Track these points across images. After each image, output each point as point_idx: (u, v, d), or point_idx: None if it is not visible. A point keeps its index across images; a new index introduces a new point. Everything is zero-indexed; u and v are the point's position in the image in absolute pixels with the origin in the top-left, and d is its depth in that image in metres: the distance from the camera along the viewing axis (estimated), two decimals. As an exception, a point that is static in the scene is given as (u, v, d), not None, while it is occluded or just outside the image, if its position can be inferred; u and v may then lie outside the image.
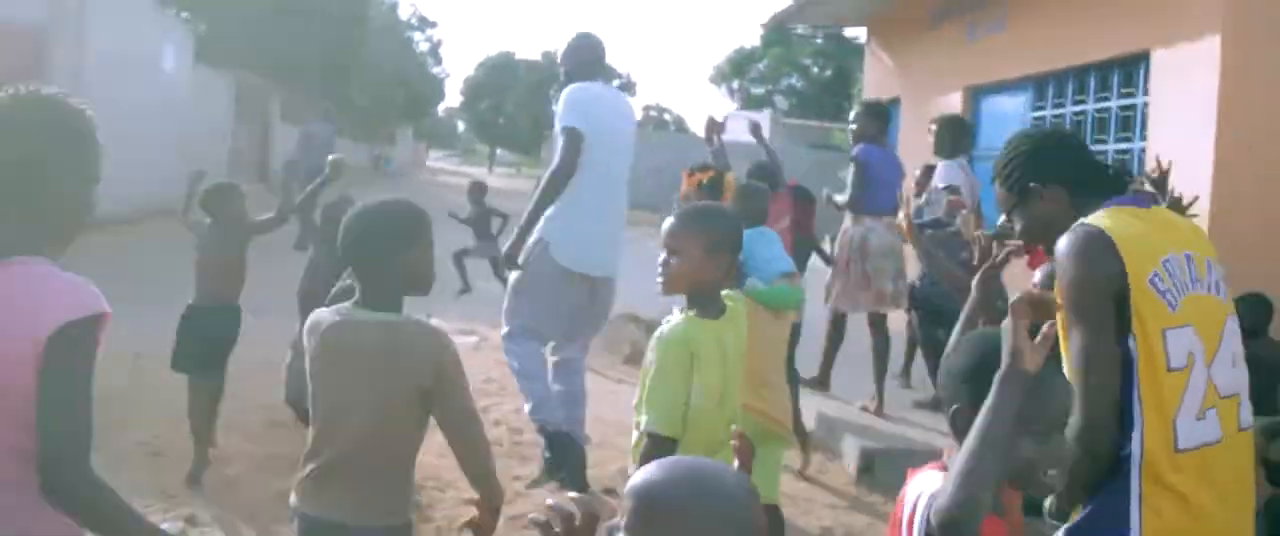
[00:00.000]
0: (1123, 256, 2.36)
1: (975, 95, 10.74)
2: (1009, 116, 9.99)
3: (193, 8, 24.57)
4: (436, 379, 2.69)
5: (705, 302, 3.01)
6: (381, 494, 2.73)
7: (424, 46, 50.14)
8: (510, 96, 59.52)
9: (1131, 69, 8.06)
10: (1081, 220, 2.48)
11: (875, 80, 13.75)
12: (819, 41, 50.82)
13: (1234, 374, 2.46)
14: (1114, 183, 2.61)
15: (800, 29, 35.78)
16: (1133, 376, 2.36)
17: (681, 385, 2.86)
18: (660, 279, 3.03)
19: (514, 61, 65.10)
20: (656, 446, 2.78)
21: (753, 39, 52.73)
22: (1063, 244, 2.46)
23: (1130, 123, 8.08)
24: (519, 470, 5.89)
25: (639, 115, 61.60)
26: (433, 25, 59.68)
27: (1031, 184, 2.62)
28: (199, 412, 5.42)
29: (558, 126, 5.18)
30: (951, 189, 6.76)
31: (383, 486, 2.73)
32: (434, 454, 3.49)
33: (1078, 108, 8.82)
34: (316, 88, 30.79)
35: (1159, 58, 7.56)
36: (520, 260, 5.18)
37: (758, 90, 50.78)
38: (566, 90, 5.31)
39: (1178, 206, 3.70)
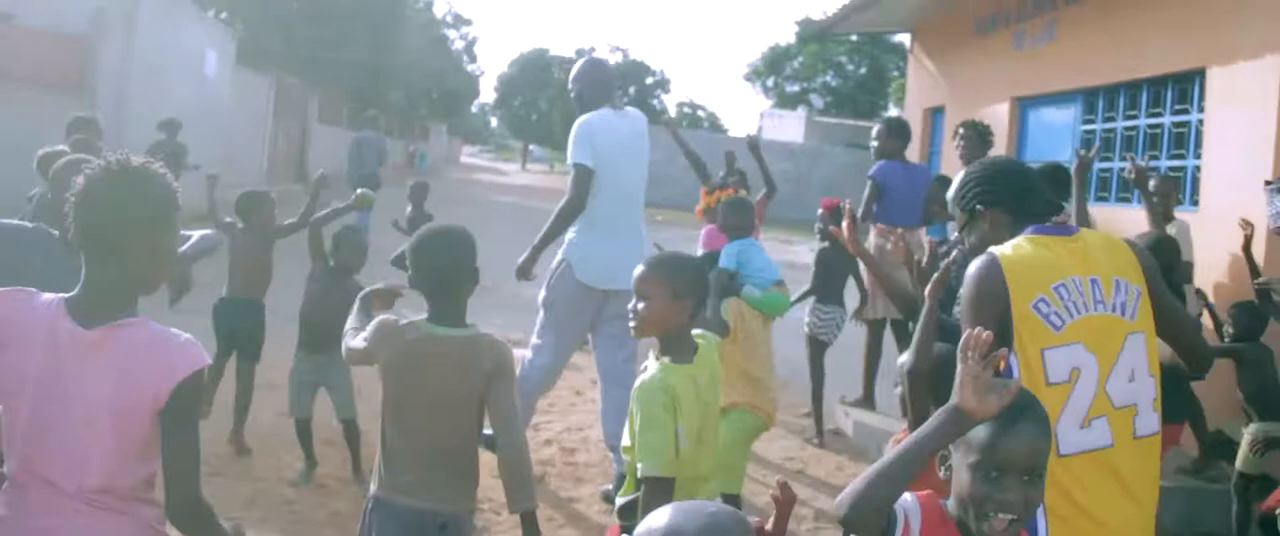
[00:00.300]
0: (1008, 283, 2.70)
1: (1023, 106, 10.63)
2: (1058, 128, 9.88)
3: (233, 9, 24.79)
4: (498, 394, 3.16)
5: (676, 347, 3.16)
6: (454, 484, 3.18)
7: (459, 44, 50.28)
8: (544, 94, 59.55)
9: (1186, 85, 7.94)
10: (991, 247, 2.79)
11: (919, 88, 13.65)
12: (854, 39, 50.59)
13: (1131, 387, 2.71)
14: (1048, 211, 2.89)
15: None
16: None
17: (670, 428, 3.01)
18: (631, 323, 3.20)
19: (548, 58, 65.11)
20: (656, 487, 2.96)
21: (788, 36, 52.54)
22: (970, 267, 2.78)
23: (1184, 140, 7.97)
24: (573, 491, 5.92)
25: (673, 112, 61.71)
26: (468, 23, 59.86)
27: (978, 207, 2.97)
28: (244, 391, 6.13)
29: (568, 160, 5.59)
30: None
31: (455, 477, 3.19)
32: (490, 473, 3.55)
33: (1129, 122, 8.71)
34: (353, 88, 30.98)
35: (1215, 76, 7.45)
36: (546, 286, 5.71)
37: (793, 88, 50.57)
38: (577, 122, 5.65)
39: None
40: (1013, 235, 2.86)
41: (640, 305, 3.14)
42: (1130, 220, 8.29)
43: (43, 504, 2.24)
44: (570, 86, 5.99)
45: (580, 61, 6.03)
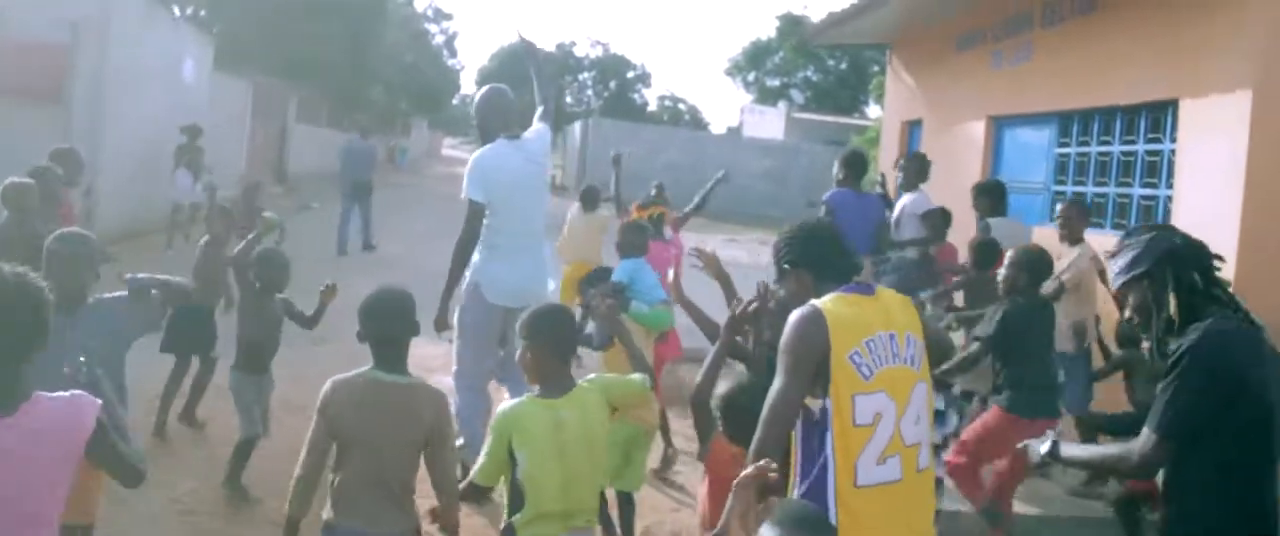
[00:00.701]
0: (830, 334, 3.02)
1: (999, 125, 10.70)
2: (1033, 149, 9.95)
3: (212, 9, 24.66)
4: (434, 427, 3.70)
5: (547, 384, 3.69)
6: (397, 512, 3.69)
7: (439, 39, 50.14)
8: (526, 88, 59.43)
9: (1159, 114, 8.02)
10: (813, 300, 3.13)
11: (897, 100, 13.71)
12: (835, 34, 50.70)
13: (916, 428, 3.11)
14: (849, 272, 3.26)
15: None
16: (828, 426, 3.03)
17: (499, 449, 3.59)
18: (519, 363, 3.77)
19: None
20: (474, 490, 3.88)
21: (769, 31, 52.54)
22: (793, 314, 3.12)
23: (1156, 169, 8.05)
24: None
25: (653, 106, 61.68)
26: (448, 17, 59.54)
27: (785, 264, 3.34)
28: (171, 389, 6.77)
29: (462, 193, 5.91)
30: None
31: (398, 506, 3.69)
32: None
33: (1103, 148, 8.79)
34: (333, 86, 30.86)
35: (1187, 107, 7.54)
36: (455, 312, 5.95)
37: (773, 82, 50.59)
38: (472, 157, 6.01)
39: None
40: (816, 293, 3.18)
41: (525, 352, 3.70)
42: (1094, 243, 8.39)
43: None
44: (473, 116, 6.29)
45: (483, 91, 6.27)
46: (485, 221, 5.88)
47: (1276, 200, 6.79)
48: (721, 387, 3.59)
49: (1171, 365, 2.98)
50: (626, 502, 5.38)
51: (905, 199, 8.46)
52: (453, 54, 53.04)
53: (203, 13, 26.27)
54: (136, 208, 15.22)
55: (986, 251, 7.09)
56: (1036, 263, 5.73)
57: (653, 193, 9.66)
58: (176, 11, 24.60)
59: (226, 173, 21.80)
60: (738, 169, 36.91)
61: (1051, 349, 5.87)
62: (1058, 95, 9.35)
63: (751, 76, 51.42)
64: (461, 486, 3.90)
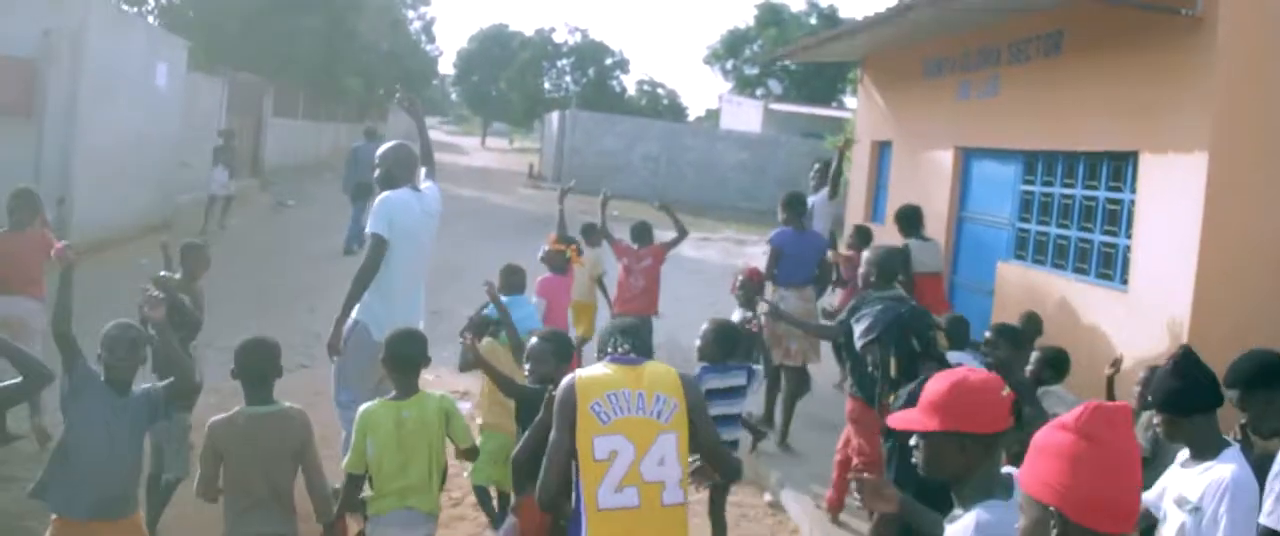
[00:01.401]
0: (577, 394, 3.80)
1: (966, 155, 10.81)
2: (999, 184, 10.06)
3: (188, 4, 24.49)
4: (304, 447, 4.62)
5: (397, 390, 4.86)
6: (283, 515, 4.58)
7: (417, 25, 49.80)
8: (504, 73, 59.19)
9: (1121, 164, 8.15)
10: (577, 371, 3.95)
11: (868, 119, 13.81)
12: (814, 22, 50.61)
13: (660, 469, 3.76)
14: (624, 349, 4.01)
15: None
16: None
17: (360, 442, 4.70)
18: None
19: (507, 33, 64.72)
20: (349, 480, 4.78)
21: (747, 19, 52.44)
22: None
23: (1117, 217, 8.18)
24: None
25: (632, 90, 61.59)
26: (426, 3, 59.24)
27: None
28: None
29: (366, 229, 6.44)
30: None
31: (283, 510, 4.58)
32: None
33: (1067, 190, 8.91)
34: (309, 78, 30.71)
35: (1147, 161, 7.67)
36: (341, 344, 6.37)
37: (752, 70, 50.58)
38: (380, 197, 6.44)
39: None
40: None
41: None
42: (1054, 286, 8.54)
43: None
44: (376, 165, 6.66)
45: (388, 145, 6.77)
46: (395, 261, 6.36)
47: (1231, 259, 6.96)
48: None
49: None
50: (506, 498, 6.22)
51: (812, 199, 10.13)
52: (431, 39, 52.68)
53: (177, 1, 26.10)
54: (111, 214, 15.18)
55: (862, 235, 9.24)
56: (887, 260, 6.18)
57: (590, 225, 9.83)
58: (151, 4, 24.47)
59: (201, 173, 21.76)
60: (715, 161, 37.08)
61: None
62: (1022, 134, 9.47)
63: (729, 65, 51.40)
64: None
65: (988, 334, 6.31)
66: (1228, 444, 3.63)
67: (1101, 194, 8.39)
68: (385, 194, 6.39)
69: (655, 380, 3.90)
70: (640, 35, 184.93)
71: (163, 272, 6.58)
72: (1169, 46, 7.33)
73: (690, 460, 3.87)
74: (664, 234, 10.07)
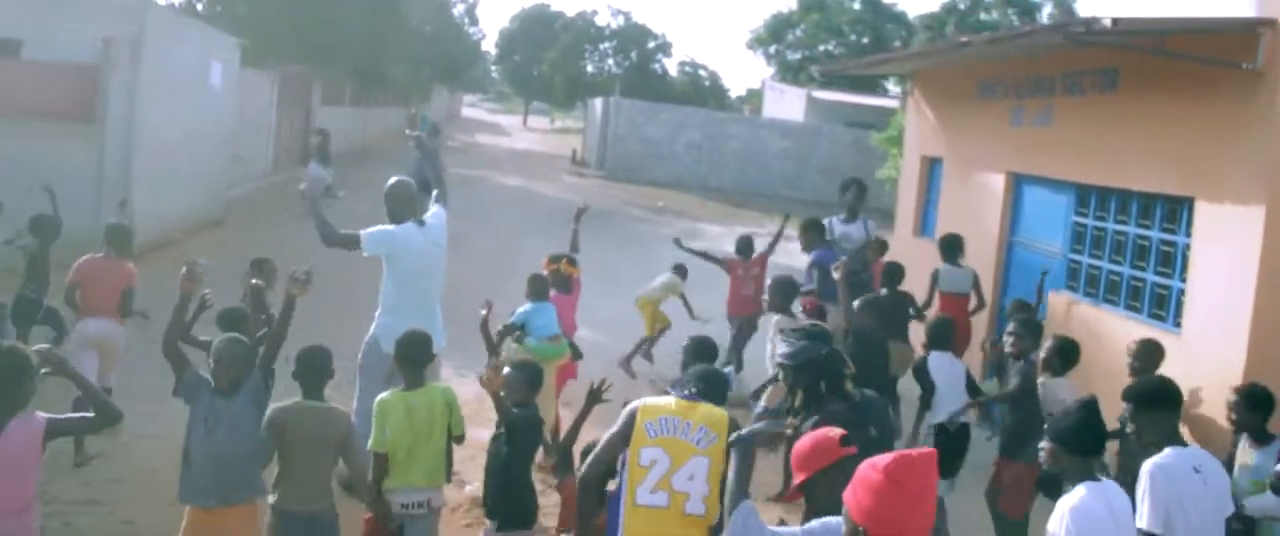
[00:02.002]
0: (639, 414, 4.66)
1: (1018, 181, 10.81)
2: (1052, 213, 10.06)
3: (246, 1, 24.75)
4: (345, 440, 5.47)
5: (407, 383, 5.78)
6: (323, 494, 5.45)
7: (460, 8, 49.99)
8: (546, 54, 59.28)
9: (1176, 207, 8.15)
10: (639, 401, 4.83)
11: (919, 135, 13.79)
12: (857, 8, 50.32)
13: (689, 483, 4.54)
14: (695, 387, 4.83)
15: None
16: (625, 463, 4.64)
17: (380, 424, 5.61)
18: None
19: (549, 14, 64.79)
20: (376, 458, 5.60)
21: (790, 3, 52.18)
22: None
23: (1171, 259, 8.19)
24: None
25: (674, 72, 61.54)
26: (470, -15, 59.30)
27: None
28: None
29: (365, 232, 7.12)
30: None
31: (323, 490, 5.46)
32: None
33: (1120, 226, 8.91)
34: (355, 66, 30.94)
35: (1202, 207, 7.67)
36: (361, 355, 7.31)
37: (794, 55, 50.39)
38: (386, 229, 7.20)
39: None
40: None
41: None
42: (1105, 321, 8.56)
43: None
44: (385, 201, 7.34)
45: (390, 183, 7.44)
46: (389, 284, 7.27)
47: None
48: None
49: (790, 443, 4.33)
50: None
51: (840, 228, 10.97)
52: (474, 22, 52.86)
53: (219, 8, 26.36)
54: (169, 213, 15.47)
55: (892, 274, 9.48)
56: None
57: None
58: (200, 8, 24.78)
59: (254, 164, 22.08)
60: (757, 149, 37.07)
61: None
62: (1075, 167, 9.47)
63: (772, 49, 51.21)
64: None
65: (1011, 326, 7.42)
66: (1095, 479, 4.21)
67: (1155, 234, 8.40)
68: (391, 228, 7.17)
69: (706, 416, 4.72)
70: (682, 18, 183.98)
71: (254, 280, 7.40)
72: (1227, 97, 7.33)
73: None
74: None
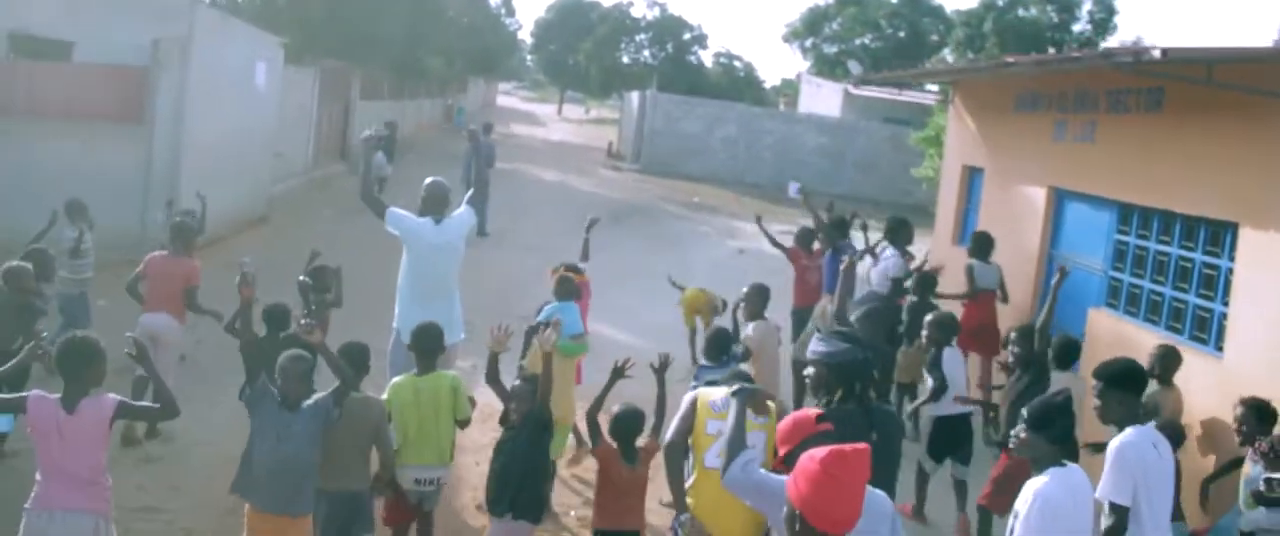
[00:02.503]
0: (698, 399, 5.42)
1: (1060, 195, 10.80)
2: (1093, 229, 10.05)
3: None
4: (378, 428, 6.04)
5: (419, 369, 6.47)
6: (360, 475, 6.04)
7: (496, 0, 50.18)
8: (582, 44, 59.37)
9: (1219, 231, 8.14)
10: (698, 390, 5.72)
11: (959, 143, 13.79)
12: (893, 2, 50.06)
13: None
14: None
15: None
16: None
17: (392, 406, 6.26)
18: None
19: (585, 4, 64.85)
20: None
21: (828, -4, 51.96)
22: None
23: (1213, 282, 8.19)
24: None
25: (709, 62, 61.49)
26: (507, -24, 59.44)
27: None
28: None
29: (390, 210, 8.04)
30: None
31: (361, 471, 6.05)
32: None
33: (1162, 246, 8.91)
34: (394, 59, 31.15)
35: (1247, 234, 7.67)
36: (390, 349, 8.20)
37: (830, 49, 50.23)
38: (408, 216, 8.12)
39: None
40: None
41: None
42: (1146, 340, 8.58)
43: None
44: (423, 190, 8.33)
45: (428, 181, 8.38)
46: (403, 270, 8.18)
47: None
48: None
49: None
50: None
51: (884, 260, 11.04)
52: (510, 13, 53.03)
53: (259, 2, 26.58)
54: (215, 212, 15.66)
55: (924, 282, 10.18)
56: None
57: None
58: (241, 2, 25.00)
59: (294, 159, 22.32)
60: (793, 144, 37.03)
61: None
62: (1118, 185, 9.46)
63: (808, 43, 51.07)
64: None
65: (1014, 334, 7.99)
66: (1062, 465, 4.58)
67: (1198, 256, 8.40)
68: (411, 216, 8.14)
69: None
70: (718, 10, 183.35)
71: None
72: (1273, 126, 7.33)
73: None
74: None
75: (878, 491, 4.05)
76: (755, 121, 37.33)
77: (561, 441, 7.63)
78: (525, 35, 69.24)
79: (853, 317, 7.93)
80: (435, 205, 8.19)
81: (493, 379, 6.23)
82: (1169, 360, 7.63)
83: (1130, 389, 5.20)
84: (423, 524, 6.58)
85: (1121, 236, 9.56)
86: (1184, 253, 8.61)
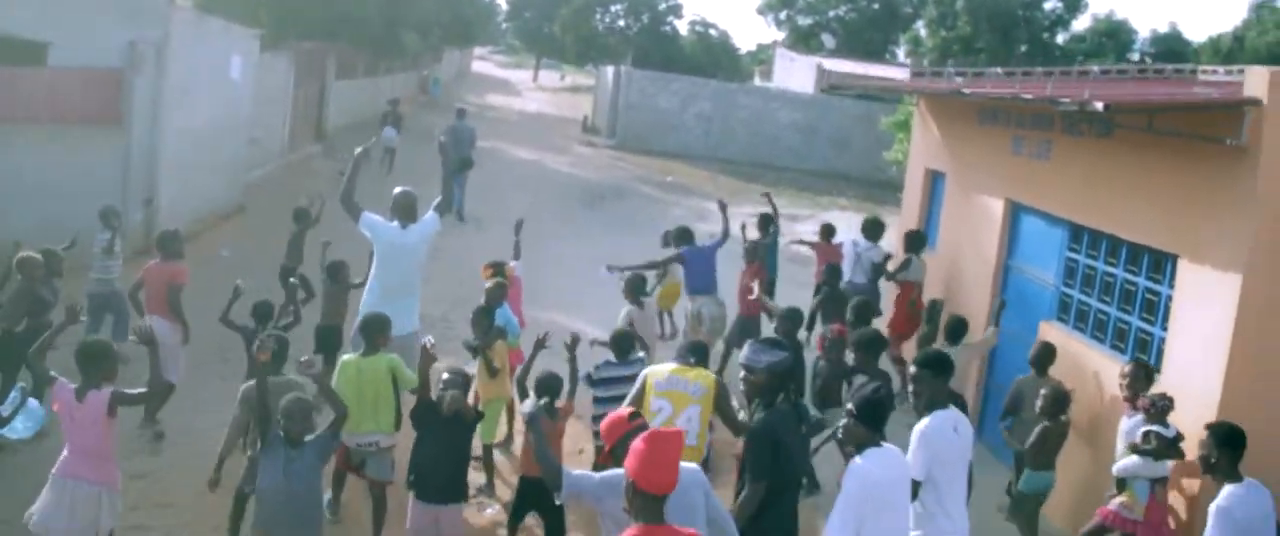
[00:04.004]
0: (649, 376, 6.96)
1: (1016, 208, 11.15)
2: (1047, 245, 10.40)
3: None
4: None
5: (367, 349, 7.70)
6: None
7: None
8: (558, 12, 59.22)
9: (1161, 258, 8.52)
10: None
11: (923, 146, 14.11)
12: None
13: (686, 423, 6.74)
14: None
15: None
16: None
17: (340, 388, 7.17)
18: None
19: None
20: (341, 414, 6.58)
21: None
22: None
23: (1155, 307, 8.58)
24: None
25: (684, 31, 61.50)
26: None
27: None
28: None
29: (363, 214, 9.16)
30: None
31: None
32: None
33: (1110, 268, 9.28)
34: (370, 36, 31.11)
35: (1185, 267, 8.05)
36: (354, 338, 8.97)
37: (805, 20, 50.38)
38: (376, 217, 9.22)
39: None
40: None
41: None
42: (1091, 357, 9.00)
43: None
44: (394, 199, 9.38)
45: (397, 191, 9.45)
46: (374, 267, 9.33)
47: (1259, 372, 7.43)
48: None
49: (749, 435, 6.04)
50: (486, 451, 9.02)
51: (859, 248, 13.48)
52: (486, -17, 52.78)
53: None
54: (193, 206, 15.90)
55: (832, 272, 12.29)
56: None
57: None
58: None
59: (270, 144, 22.44)
60: (767, 121, 37.27)
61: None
62: (1070, 205, 9.82)
63: (783, 15, 51.18)
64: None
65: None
66: (878, 446, 5.50)
67: (1142, 281, 8.78)
68: (379, 218, 9.21)
69: (699, 376, 7.06)
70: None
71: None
72: (1214, 166, 7.67)
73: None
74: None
75: (692, 466, 5.29)
76: (729, 97, 37.54)
77: (493, 422, 9.07)
78: (501, 1, 69.04)
79: (851, 306, 10.33)
80: (403, 212, 9.23)
81: (424, 386, 6.99)
82: (1044, 353, 9.04)
83: (939, 374, 6.22)
84: (377, 503, 7.74)
85: (1073, 254, 9.92)
86: (1129, 277, 8.99)
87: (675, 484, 4.36)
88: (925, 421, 6.05)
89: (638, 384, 6.82)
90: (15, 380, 8.19)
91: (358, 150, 9.51)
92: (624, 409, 5.66)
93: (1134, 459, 7.51)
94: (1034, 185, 10.67)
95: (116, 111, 14.28)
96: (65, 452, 6.39)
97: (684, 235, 12.82)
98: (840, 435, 5.69)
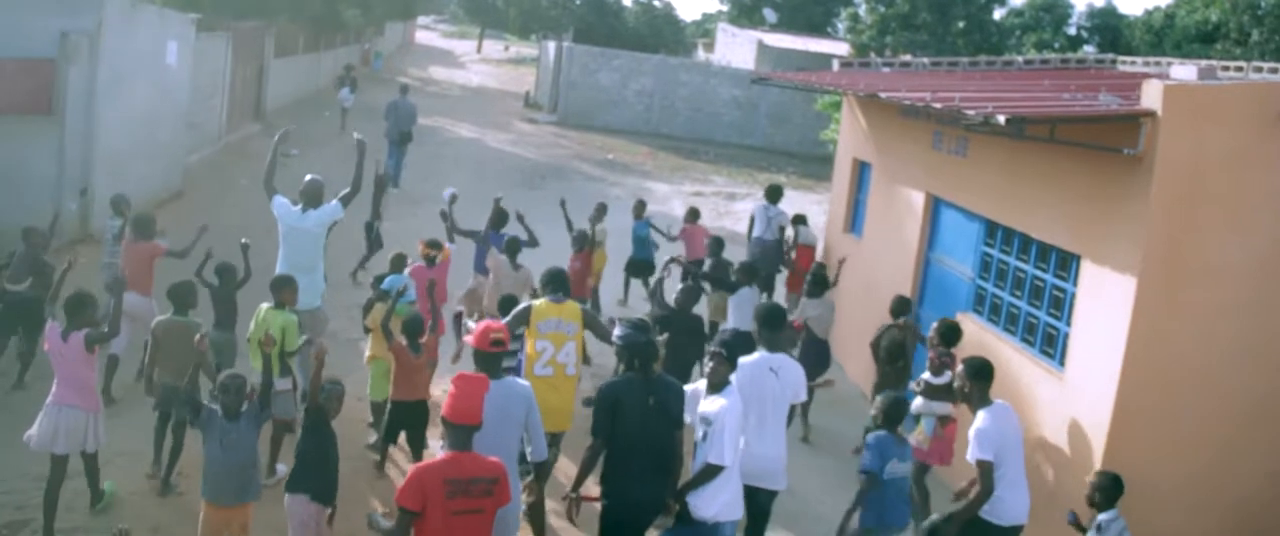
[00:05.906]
0: (533, 313, 8.09)
1: (937, 202, 11.55)
2: (963, 238, 10.83)
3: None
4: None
5: (276, 301, 8.76)
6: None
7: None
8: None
9: (1067, 258, 8.94)
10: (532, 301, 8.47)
11: (851, 136, 14.49)
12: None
13: (566, 359, 8.05)
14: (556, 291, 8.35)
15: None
16: (523, 348, 8.18)
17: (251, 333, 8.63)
18: None
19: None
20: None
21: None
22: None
23: (1061, 304, 9.01)
24: None
25: (628, 2, 61.47)
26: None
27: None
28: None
29: (270, 199, 10.05)
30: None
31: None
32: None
33: (1021, 264, 9.71)
34: (311, 13, 30.92)
35: (1088, 268, 8.47)
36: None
37: (748, -7, 50.56)
38: (283, 201, 10.02)
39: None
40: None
41: None
42: (1003, 349, 9.40)
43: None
44: (305, 184, 10.06)
45: (308, 179, 10.11)
46: (280, 244, 9.99)
47: (1152, 368, 7.89)
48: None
49: (594, 398, 6.88)
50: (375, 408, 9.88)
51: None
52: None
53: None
54: (130, 194, 15.80)
55: (717, 245, 13.10)
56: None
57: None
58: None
59: (208, 126, 22.32)
60: (708, 97, 37.57)
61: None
62: (984, 201, 10.23)
63: (727, -12, 51.32)
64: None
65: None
66: (728, 385, 6.86)
67: (1049, 278, 9.20)
68: (286, 201, 9.97)
69: (569, 311, 8.17)
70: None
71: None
72: (1114, 172, 8.07)
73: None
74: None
75: (522, 382, 6.77)
76: (671, 73, 37.74)
77: (380, 379, 9.74)
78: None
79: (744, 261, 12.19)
80: (309, 198, 9.99)
81: (313, 391, 7.16)
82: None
83: (777, 329, 7.62)
84: (278, 436, 8.83)
85: (988, 249, 10.34)
86: (1038, 273, 9.41)
87: (480, 418, 5.39)
88: (740, 366, 7.27)
89: (522, 307, 8.23)
90: (36, 341, 9.55)
91: (276, 137, 10.33)
92: (500, 324, 7.06)
93: (919, 399, 9.07)
94: (953, 180, 11.06)
95: (49, 102, 14.21)
96: (55, 385, 7.57)
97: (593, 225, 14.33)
98: (711, 375, 6.97)
